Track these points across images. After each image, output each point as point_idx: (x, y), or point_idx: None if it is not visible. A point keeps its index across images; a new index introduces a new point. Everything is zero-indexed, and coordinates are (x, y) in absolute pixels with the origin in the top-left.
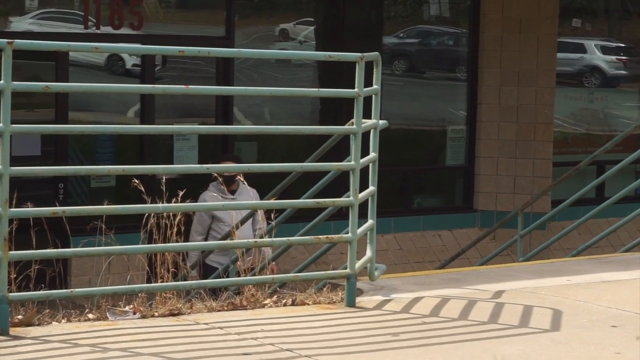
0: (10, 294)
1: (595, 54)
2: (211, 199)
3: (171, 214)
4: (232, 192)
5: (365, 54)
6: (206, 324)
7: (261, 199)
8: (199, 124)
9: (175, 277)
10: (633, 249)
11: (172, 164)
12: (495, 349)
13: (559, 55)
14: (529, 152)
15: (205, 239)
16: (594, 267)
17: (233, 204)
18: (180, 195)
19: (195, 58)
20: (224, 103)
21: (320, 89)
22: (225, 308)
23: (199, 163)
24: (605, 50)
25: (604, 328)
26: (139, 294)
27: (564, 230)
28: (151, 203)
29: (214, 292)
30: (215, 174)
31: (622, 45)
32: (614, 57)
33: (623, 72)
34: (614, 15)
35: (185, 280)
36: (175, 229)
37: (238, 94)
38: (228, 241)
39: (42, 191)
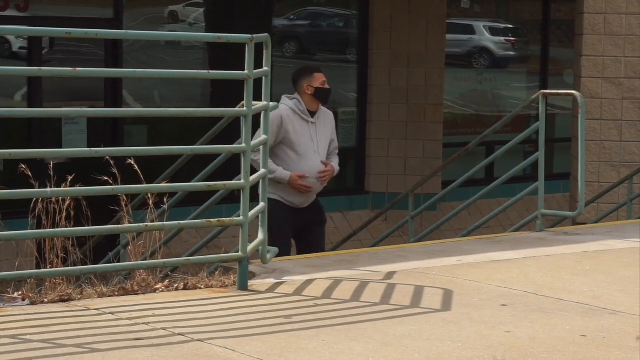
0: None
1: (483, 35)
2: (288, 119)
3: (60, 198)
4: (312, 115)
5: (254, 35)
6: (97, 309)
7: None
8: (88, 107)
9: (65, 262)
10: (522, 228)
11: (61, 147)
12: (387, 329)
13: (448, 36)
14: (420, 133)
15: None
16: (484, 247)
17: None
18: (70, 179)
19: (83, 40)
20: (113, 86)
21: (210, 71)
22: (116, 293)
23: (88, 147)
24: (493, 32)
25: (494, 307)
26: (28, 280)
27: (454, 211)
28: (39, 188)
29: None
30: (306, 85)
31: (510, 26)
32: (502, 39)
33: (511, 53)
34: None
35: (75, 265)
36: (64, 214)
37: (127, 76)
38: (117, 226)
39: None
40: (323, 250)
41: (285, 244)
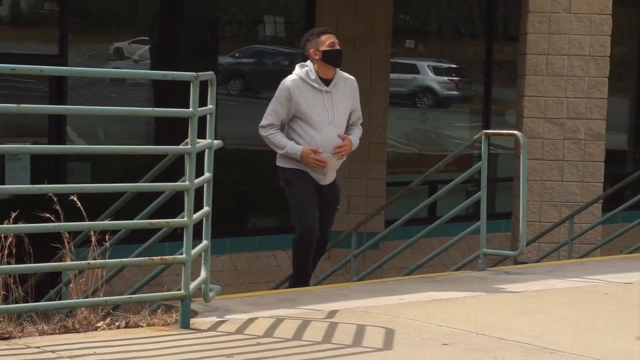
0: None
1: (427, 75)
2: (298, 90)
3: (2, 235)
4: (326, 83)
5: (199, 73)
6: (38, 347)
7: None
8: (32, 144)
9: (6, 300)
10: (464, 267)
11: (4, 184)
12: None
13: (392, 75)
14: (363, 172)
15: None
16: (426, 285)
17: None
18: (12, 216)
19: (28, 76)
20: (57, 122)
21: (155, 109)
22: (57, 331)
23: (32, 183)
24: (437, 71)
25: (435, 346)
26: None
27: (397, 250)
28: None
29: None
30: (313, 50)
31: (454, 66)
32: (445, 78)
33: (455, 92)
34: (446, 37)
35: (16, 303)
36: (6, 251)
37: (71, 113)
38: (59, 263)
39: None
40: (326, 238)
41: (312, 211)
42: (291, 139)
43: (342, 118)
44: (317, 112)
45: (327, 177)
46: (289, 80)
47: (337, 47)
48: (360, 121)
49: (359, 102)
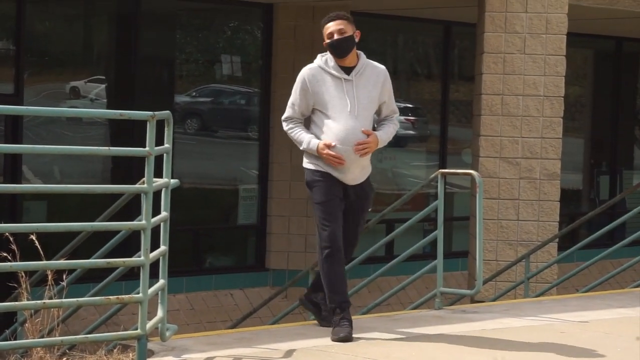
0: None
1: None
2: (314, 79)
3: None
4: (347, 71)
5: (156, 112)
6: None
7: (51, 259)
8: None
9: None
10: (421, 306)
11: None
12: None
13: None
14: None
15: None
16: (383, 324)
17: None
18: None
19: None
20: (12, 161)
21: (111, 148)
22: None
23: None
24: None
25: None
26: None
27: (355, 288)
28: None
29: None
30: (324, 40)
31: (410, 105)
32: (402, 118)
33: (411, 132)
34: (402, 77)
35: None
36: None
37: (27, 152)
38: (14, 303)
39: None
40: (354, 243)
41: (332, 220)
42: (313, 133)
43: (365, 108)
44: (335, 101)
45: (351, 176)
46: (306, 69)
47: (337, 36)
48: (396, 115)
49: (391, 93)
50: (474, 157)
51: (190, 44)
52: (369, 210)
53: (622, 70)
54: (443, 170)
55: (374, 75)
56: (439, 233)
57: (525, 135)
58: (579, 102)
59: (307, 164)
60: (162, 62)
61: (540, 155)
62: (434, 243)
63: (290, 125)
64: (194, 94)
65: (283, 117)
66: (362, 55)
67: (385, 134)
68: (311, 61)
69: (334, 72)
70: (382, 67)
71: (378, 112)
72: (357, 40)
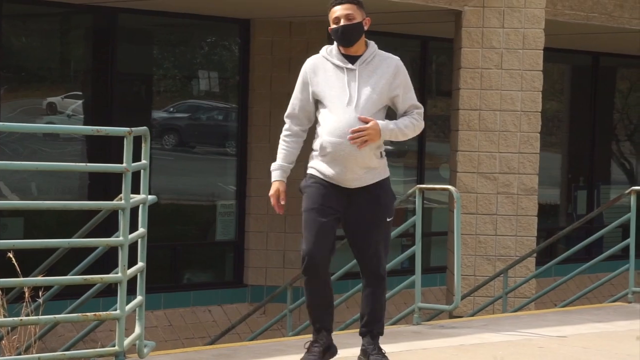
0: None
1: None
2: (315, 69)
3: None
4: (353, 60)
5: (133, 128)
6: None
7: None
8: None
9: None
10: (399, 321)
11: None
12: None
13: None
14: (298, 226)
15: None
16: (361, 340)
17: None
18: None
19: None
20: None
21: (88, 164)
22: None
23: None
24: None
25: None
26: None
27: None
28: None
29: None
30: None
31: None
32: None
33: (389, 147)
34: None
35: None
36: None
37: (3, 168)
38: None
39: None
40: (374, 258)
41: (316, 233)
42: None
43: (368, 99)
44: (334, 92)
45: (351, 175)
46: (308, 59)
47: (344, 22)
48: (418, 110)
49: (407, 86)
50: (452, 172)
51: (167, 60)
52: (389, 219)
53: (599, 85)
54: (421, 186)
55: (383, 65)
56: (417, 248)
57: (502, 151)
58: (556, 117)
59: (308, 164)
60: (139, 78)
61: (517, 170)
62: (412, 258)
63: (283, 135)
64: (172, 109)
65: (285, 115)
66: (372, 44)
67: (395, 125)
68: (288, 77)
69: (336, 60)
70: (395, 57)
71: (395, 108)
72: (366, 28)
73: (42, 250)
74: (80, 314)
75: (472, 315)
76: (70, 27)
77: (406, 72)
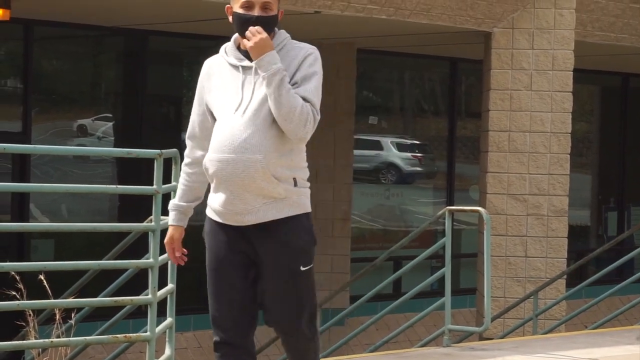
0: None
1: (391, 151)
2: (210, 72)
3: None
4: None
5: (163, 150)
6: None
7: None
8: None
9: None
10: (429, 343)
11: None
12: None
13: (356, 152)
14: (327, 248)
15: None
16: None
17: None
18: None
19: None
20: (19, 199)
21: (119, 186)
22: None
23: None
24: (400, 148)
25: None
26: None
27: (362, 326)
28: None
29: None
30: (228, 6)
31: (417, 142)
32: (409, 154)
33: (418, 169)
34: (409, 113)
35: None
36: None
37: (34, 190)
38: (21, 342)
39: None
40: (284, 323)
41: (223, 302)
42: None
43: (263, 103)
44: (225, 97)
45: (242, 206)
46: (205, 62)
47: (259, 12)
48: (309, 104)
49: (308, 77)
50: (482, 193)
51: (195, 82)
52: (305, 269)
53: (628, 106)
54: (451, 208)
55: (288, 57)
56: (447, 270)
57: (532, 172)
58: (586, 138)
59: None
60: (169, 100)
61: (547, 192)
62: (441, 280)
63: (184, 164)
64: None
65: (186, 137)
66: (281, 33)
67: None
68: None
69: (232, 59)
70: (310, 46)
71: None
72: (278, 20)
73: (73, 271)
74: (110, 335)
75: (502, 337)
76: (101, 50)
77: (317, 63)
